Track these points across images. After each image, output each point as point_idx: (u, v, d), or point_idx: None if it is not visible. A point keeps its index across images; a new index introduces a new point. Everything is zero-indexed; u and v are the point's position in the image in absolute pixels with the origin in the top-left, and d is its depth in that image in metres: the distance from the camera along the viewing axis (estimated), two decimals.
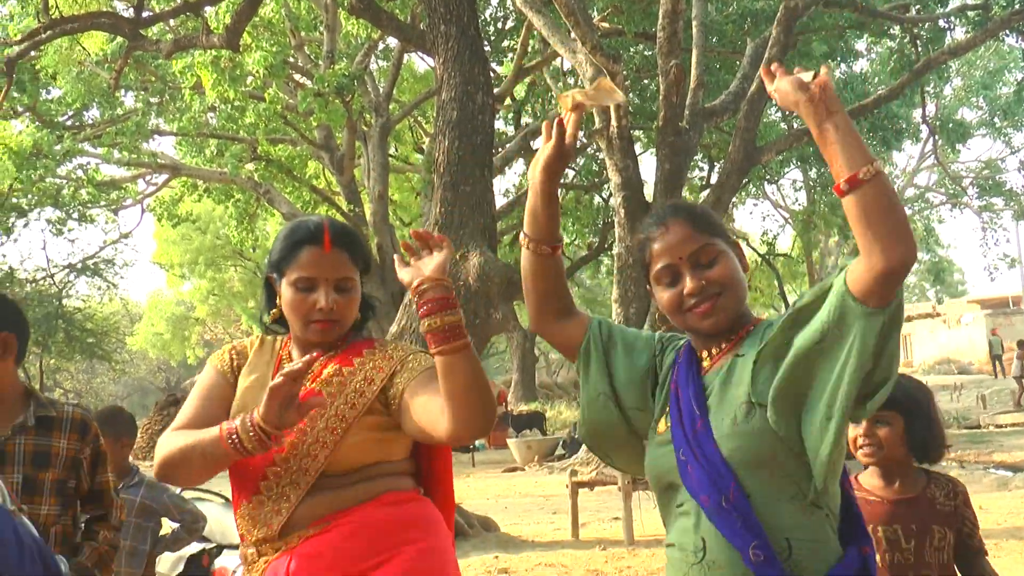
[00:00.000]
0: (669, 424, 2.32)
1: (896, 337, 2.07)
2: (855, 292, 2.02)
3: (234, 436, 2.38)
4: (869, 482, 3.21)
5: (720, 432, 2.21)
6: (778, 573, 2.11)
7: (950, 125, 29.49)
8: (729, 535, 2.15)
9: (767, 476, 2.18)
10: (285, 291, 2.72)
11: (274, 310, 2.79)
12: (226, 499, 7.15)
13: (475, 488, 17.66)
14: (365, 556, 2.51)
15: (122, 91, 19.00)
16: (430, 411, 2.53)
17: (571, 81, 18.40)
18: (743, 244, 29.96)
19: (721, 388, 2.28)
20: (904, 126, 24.02)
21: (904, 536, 3.12)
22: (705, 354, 2.37)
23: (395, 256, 2.48)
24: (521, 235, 2.52)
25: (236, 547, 6.42)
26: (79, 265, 33.92)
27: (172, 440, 2.54)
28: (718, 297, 2.30)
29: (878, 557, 3.09)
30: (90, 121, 21.47)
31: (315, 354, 2.51)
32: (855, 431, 3.18)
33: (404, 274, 2.50)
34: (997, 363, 37.00)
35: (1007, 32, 17.22)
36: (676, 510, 2.30)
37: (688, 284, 2.31)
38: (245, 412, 2.44)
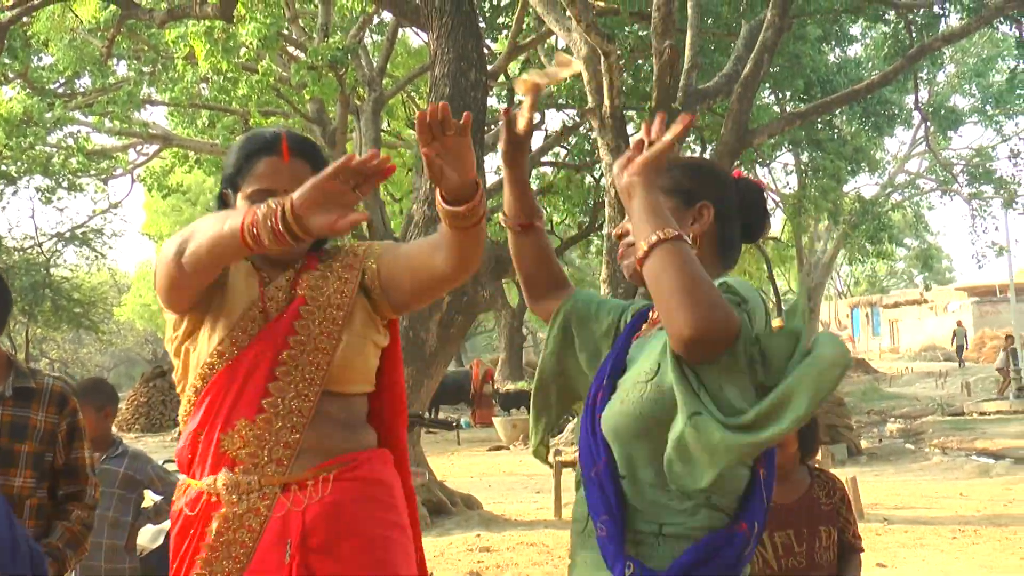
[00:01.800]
0: None
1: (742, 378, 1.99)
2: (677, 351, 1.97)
3: (256, 220, 2.17)
4: None
5: (612, 402, 2.15)
6: (615, 550, 2.05)
7: (942, 112, 29.55)
8: (589, 505, 2.13)
9: (645, 456, 2.09)
10: (241, 206, 2.53)
11: None
12: None
13: (459, 466, 17.72)
14: (370, 528, 2.47)
15: (114, 60, 18.88)
16: (419, 256, 2.56)
17: None
18: None
19: (637, 356, 2.22)
20: (897, 112, 24.10)
21: (796, 540, 3.16)
22: (653, 314, 2.32)
23: (424, 152, 2.27)
24: (500, 214, 2.58)
25: None
26: (67, 234, 33.87)
27: (195, 230, 2.36)
28: (634, 247, 2.16)
29: (773, 563, 3.13)
30: (81, 89, 21.36)
31: (374, 151, 2.25)
32: None
33: (435, 173, 2.29)
34: (960, 352, 37.65)
35: (1001, 20, 17.23)
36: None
37: (622, 225, 2.30)
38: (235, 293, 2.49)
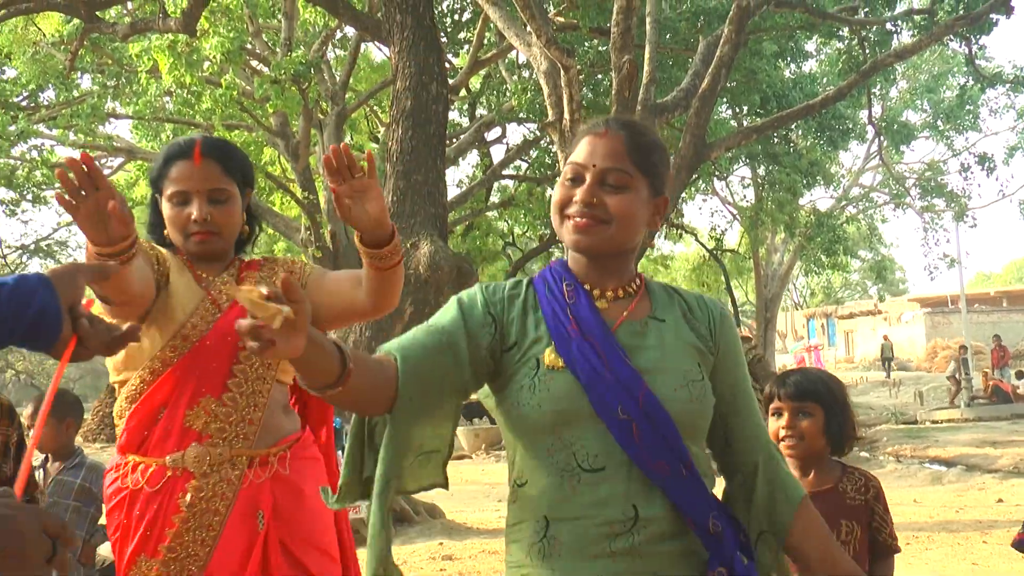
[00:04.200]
0: (559, 354, 2.05)
1: None
2: None
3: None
4: None
5: (673, 399, 2.04)
6: (732, 543, 2.03)
7: (895, 127, 29.97)
8: (688, 505, 2.00)
9: (697, 450, 2.09)
10: (164, 207, 2.81)
11: (165, 230, 2.85)
12: None
13: None
14: (318, 504, 2.67)
15: (78, 73, 18.87)
16: (341, 288, 2.83)
17: (526, 74, 18.56)
18: (692, 239, 29.83)
19: (642, 346, 2.11)
20: (851, 126, 24.38)
21: None
22: (597, 292, 2.16)
23: (333, 188, 2.41)
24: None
25: None
26: (32, 247, 33.61)
27: None
28: (604, 225, 2.08)
29: None
30: (45, 103, 21.28)
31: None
32: (776, 423, 3.21)
33: (353, 215, 2.46)
34: (887, 365, 38.41)
35: (951, 37, 17.54)
36: (577, 466, 2.01)
37: (581, 193, 2.09)
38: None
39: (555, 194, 2.16)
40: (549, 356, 2.05)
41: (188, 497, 2.62)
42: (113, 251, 2.35)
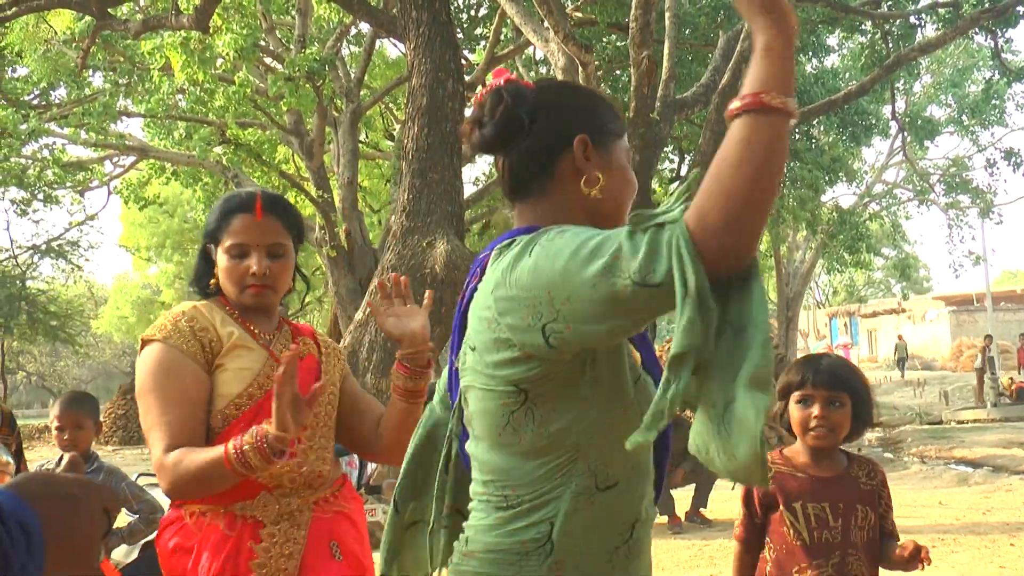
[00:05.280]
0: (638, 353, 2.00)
1: None
2: None
3: (242, 457, 2.40)
4: (796, 458, 3.18)
5: None
6: None
7: (919, 122, 29.68)
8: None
9: None
10: (221, 259, 2.81)
11: (213, 280, 2.86)
12: None
13: None
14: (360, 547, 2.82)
15: (89, 71, 18.77)
16: (366, 424, 2.96)
17: (543, 71, 18.37)
18: None
19: None
20: (874, 122, 24.18)
21: (832, 514, 3.10)
22: None
23: (369, 302, 2.67)
24: None
25: None
26: (43, 247, 33.66)
27: (178, 468, 2.51)
28: None
29: (805, 534, 3.08)
30: (57, 101, 21.22)
31: (293, 346, 2.60)
32: (803, 411, 3.13)
33: (391, 326, 2.82)
34: (902, 365, 38.23)
35: (976, 30, 17.32)
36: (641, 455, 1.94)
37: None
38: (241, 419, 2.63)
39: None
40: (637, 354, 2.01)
41: (263, 544, 2.64)
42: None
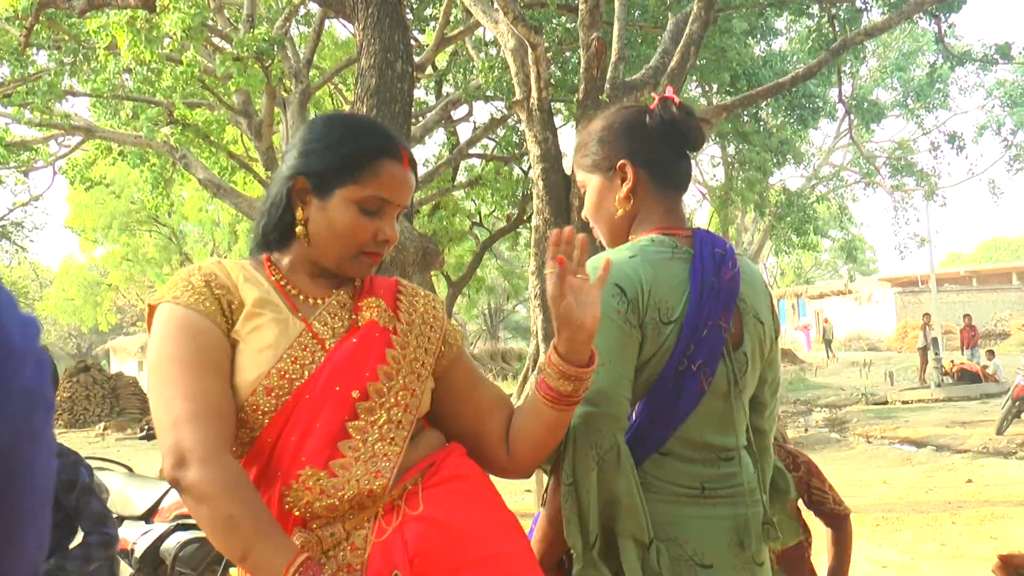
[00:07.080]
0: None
1: None
2: None
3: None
4: None
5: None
6: None
7: (865, 105, 29.94)
8: None
9: None
10: (338, 208, 2.09)
11: (299, 227, 2.14)
12: (129, 469, 7.05)
13: None
14: (479, 549, 1.96)
15: (33, 49, 18.45)
16: (489, 429, 2.23)
17: (493, 52, 18.34)
18: None
19: None
20: (821, 105, 24.35)
21: None
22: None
23: (548, 270, 2.00)
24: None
25: (137, 519, 6.31)
26: None
27: (220, 493, 1.82)
28: None
29: None
30: None
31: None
32: None
33: (566, 310, 1.99)
34: (828, 348, 39.19)
35: (921, 15, 17.50)
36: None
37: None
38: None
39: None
40: None
41: None
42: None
